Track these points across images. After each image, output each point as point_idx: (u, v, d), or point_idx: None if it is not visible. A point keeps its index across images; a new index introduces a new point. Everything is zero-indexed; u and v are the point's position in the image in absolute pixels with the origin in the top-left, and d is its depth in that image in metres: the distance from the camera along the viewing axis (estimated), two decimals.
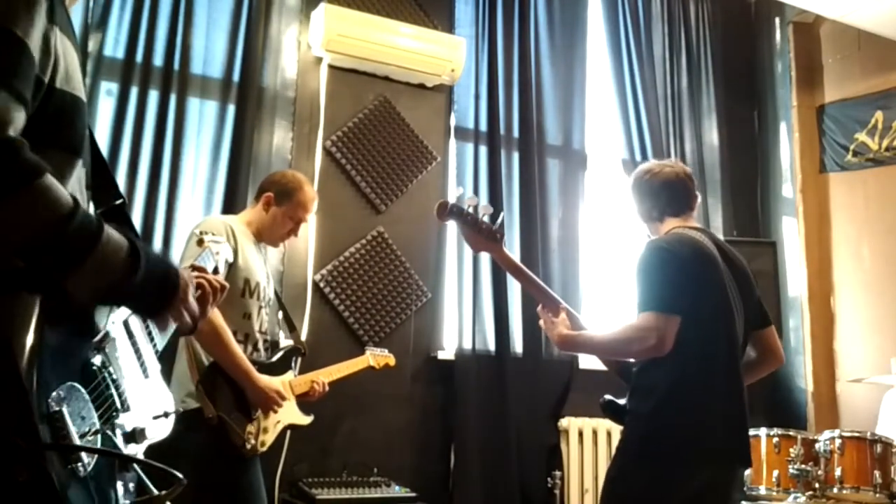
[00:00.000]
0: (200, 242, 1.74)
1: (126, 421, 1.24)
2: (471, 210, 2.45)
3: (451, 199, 2.44)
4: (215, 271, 1.66)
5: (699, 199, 2.57)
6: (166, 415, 1.39)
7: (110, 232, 1.12)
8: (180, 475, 1.14)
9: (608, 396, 2.41)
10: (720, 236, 4.89)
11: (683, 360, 2.21)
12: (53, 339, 1.06)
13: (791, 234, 5.22)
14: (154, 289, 1.21)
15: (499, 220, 2.49)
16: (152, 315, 1.28)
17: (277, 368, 2.76)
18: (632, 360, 2.41)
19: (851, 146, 5.09)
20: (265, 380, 2.60)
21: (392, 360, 3.34)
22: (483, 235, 2.47)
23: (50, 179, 1.04)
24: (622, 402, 2.37)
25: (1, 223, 1.01)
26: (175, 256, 3.44)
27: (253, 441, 2.58)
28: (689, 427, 2.22)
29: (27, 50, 1.06)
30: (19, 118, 1.04)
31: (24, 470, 0.97)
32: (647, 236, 2.53)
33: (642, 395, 2.30)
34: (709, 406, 2.24)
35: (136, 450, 1.27)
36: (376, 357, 3.28)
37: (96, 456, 1.10)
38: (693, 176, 2.56)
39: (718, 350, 2.28)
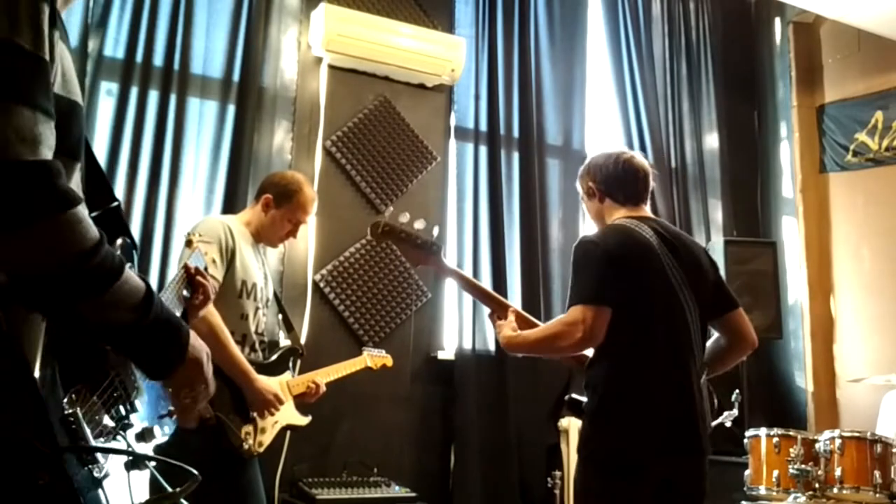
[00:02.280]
0: (189, 243, 1.77)
1: (136, 421, 1.25)
2: (404, 227, 2.44)
3: (384, 219, 2.44)
4: (205, 270, 1.69)
5: (648, 193, 2.49)
6: (171, 414, 1.40)
7: (130, 273, 1.11)
8: (195, 472, 1.13)
9: (574, 395, 2.38)
10: (720, 236, 4.92)
11: (620, 352, 2.20)
12: (66, 341, 1.06)
13: (791, 234, 5.23)
14: (164, 338, 1.19)
15: (434, 233, 2.48)
16: (161, 370, 1.22)
17: (275, 369, 2.76)
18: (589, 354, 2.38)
19: (851, 146, 5.09)
20: (263, 381, 2.60)
21: (389, 361, 3.34)
22: (421, 250, 2.46)
23: (82, 211, 1.03)
24: (585, 399, 2.33)
25: (26, 248, 0.99)
26: (174, 256, 3.45)
27: (251, 441, 2.58)
28: (633, 421, 2.19)
29: (43, 63, 1.04)
30: (51, 136, 1.03)
31: (45, 473, 0.97)
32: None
33: (590, 392, 2.28)
34: (651, 397, 2.20)
35: (146, 449, 1.28)
36: (373, 357, 3.28)
37: (110, 457, 1.10)
38: (652, 173, 2.51)
39: (658, 339, 2.23)
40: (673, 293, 2.27)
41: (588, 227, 4.67)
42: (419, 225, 2.45)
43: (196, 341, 1.25)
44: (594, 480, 2.22)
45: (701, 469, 2.28)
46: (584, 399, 2.33)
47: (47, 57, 1.05)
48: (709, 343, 2.47)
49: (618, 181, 2.44)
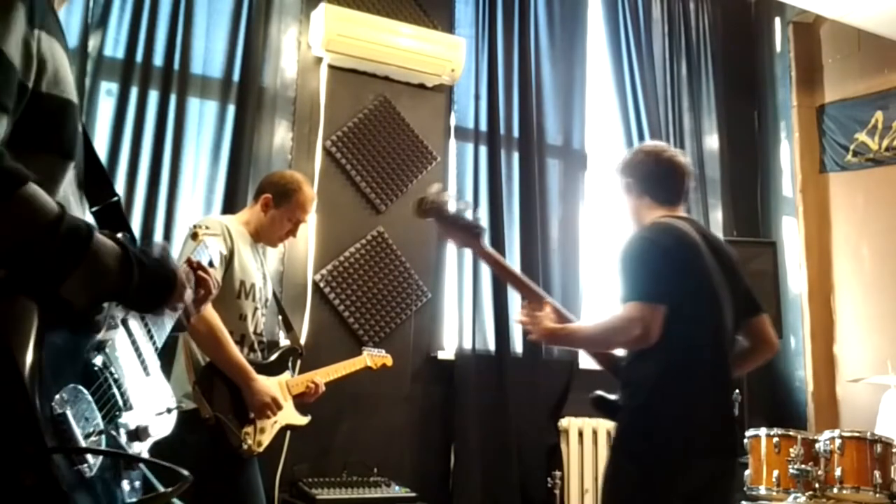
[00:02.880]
0: (195, 236, 1.76)
1: (130, 419, 1.23)
2: (449, 206, 2.38)
3: (430, 196, 2.37)
4: (210, 265, 1.67)
5: (687, 194, 2.47)
6: (168, 410, 1.39)
7: (100, 238, 1.11)
8: (186, 472, 1.13)
9: (599, 392, 2.35)
10: (720, 236, 4.91)
11: (670, 351, 2.17)
12: (54, 340, 1.05)
13: (791, 234, 5.23)
14: (151, 289, 1.21)
15: (478, 215, 2.42)
16: (148, 311, 1.29)
17: (274, 369, 2.75)
18: (619, 353, 2.37)
19: (851, 146, 5.09)
20: (262, 383, 2.59)
21: (389, 361, 3.34)
22: (463, 232, 2.41)
23: (33, 188, 1.03)
24: (613, 397, 2.32)
25: None
26: (174, 257, 3.45)
27: (250, 441, 2.58)
28: (680, 420, 2.18)
29: (4, 57, 1.03)
30: (1, 128, 1.02)
31: (31, 474, 0.97)
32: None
33: (633, 389, 2.25)
34: (697, 397, 2.20)
35: (141, 448, 1.27)
36: (373, 357, 3.28)
37: (101, 456, 1.09)
38: (692, 174, 2.48)
39: (705, 339, 2.23)
40: (716, 294, 2.28)
41: (587, 227, 4.67)
42: (466, 205, 2.39)
43: (179, 272, 1.29)
44: (633, 476, 2.19)
45: (735, 470, 2.29)
46: (612, 397, 2.31)
47: (12, 53, 1.05)
48: None
49: (658, 179, 2.40)
